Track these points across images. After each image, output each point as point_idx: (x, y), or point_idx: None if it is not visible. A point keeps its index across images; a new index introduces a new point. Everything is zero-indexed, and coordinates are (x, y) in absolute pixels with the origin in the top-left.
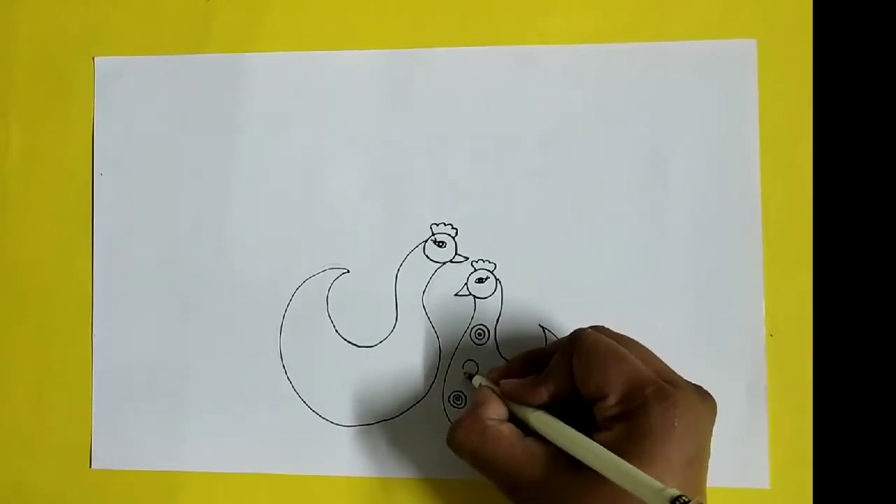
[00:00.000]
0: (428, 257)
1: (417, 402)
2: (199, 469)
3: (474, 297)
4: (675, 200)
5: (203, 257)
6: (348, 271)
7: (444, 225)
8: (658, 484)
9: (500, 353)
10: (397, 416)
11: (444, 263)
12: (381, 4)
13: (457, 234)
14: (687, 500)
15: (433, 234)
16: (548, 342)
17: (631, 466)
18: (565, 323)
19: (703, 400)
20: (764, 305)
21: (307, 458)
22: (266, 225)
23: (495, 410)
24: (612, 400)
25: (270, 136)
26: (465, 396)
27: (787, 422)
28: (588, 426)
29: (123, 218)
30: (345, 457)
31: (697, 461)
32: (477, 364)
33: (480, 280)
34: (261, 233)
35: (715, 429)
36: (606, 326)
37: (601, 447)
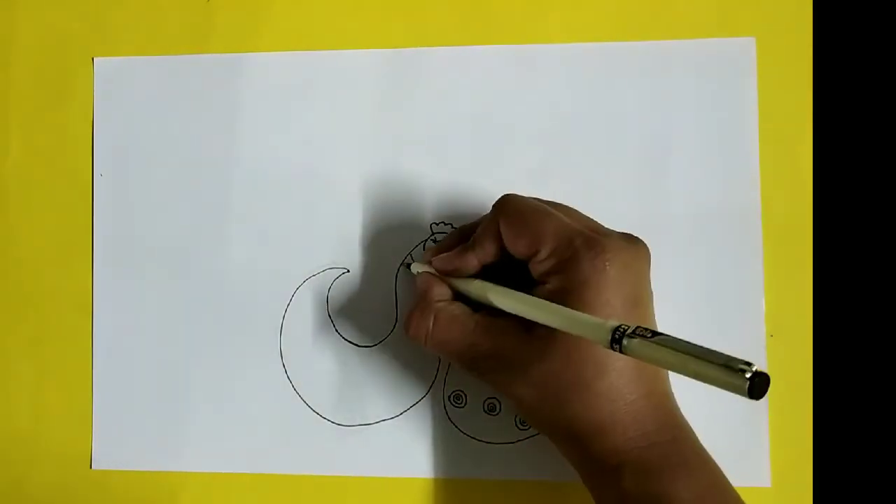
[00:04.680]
0: None
1: (417, 402)
2: (199, 469)
3: None
4: (674, 200)
5: (203, 257)
6: (348, 271)
7: (444, 225)
8: (599, 319)
9: None
10: (397, 415)
11: None
12: (382, 4)
13: None
14: (625, 328)
15: (433, 234)
16: None
17: (572, 311)
18: None
19: (632, 244)
20: (764, 305)
21: (307, 458)
22: (266, 225)
23: (440, 292)
24: (544, 254)
25: (270, 136)
26: (466, 396)
27: (787, 422)
28: (526, 287)
29: (123, 218)
30: (345, 457)
31: (640, 303)
32: None
33: None
34: (261, 233)
35: (715, 428)
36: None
37: (542, 300)
